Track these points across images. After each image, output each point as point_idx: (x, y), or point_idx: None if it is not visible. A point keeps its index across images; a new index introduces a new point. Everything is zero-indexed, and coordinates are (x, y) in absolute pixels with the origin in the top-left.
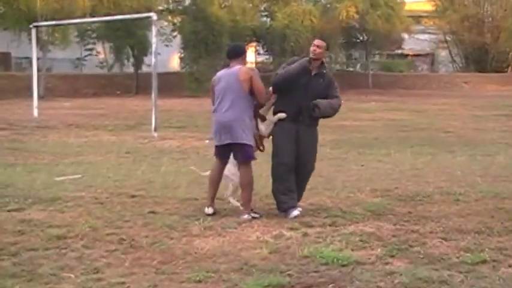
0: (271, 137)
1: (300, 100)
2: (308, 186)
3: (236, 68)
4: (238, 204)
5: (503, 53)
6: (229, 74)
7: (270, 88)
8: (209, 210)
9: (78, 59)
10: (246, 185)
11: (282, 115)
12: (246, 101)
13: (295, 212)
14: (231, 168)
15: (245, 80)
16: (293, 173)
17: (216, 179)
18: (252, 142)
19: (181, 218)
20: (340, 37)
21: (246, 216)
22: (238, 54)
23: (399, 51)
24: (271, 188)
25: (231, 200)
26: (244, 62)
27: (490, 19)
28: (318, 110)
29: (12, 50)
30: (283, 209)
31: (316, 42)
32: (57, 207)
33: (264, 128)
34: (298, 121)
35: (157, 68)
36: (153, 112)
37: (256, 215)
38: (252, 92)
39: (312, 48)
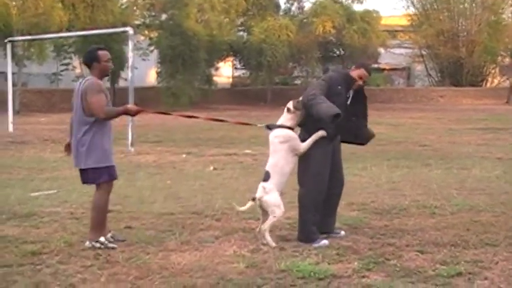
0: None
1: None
2: (285, 200)
3: (82, 80)
4: (274, 244)
5: (478, 67)
6: (77, 87)
7: (290, 104)
8: (101, 239)
9: (54, 74)
10: (94, 208)
11: (324, 133)
12: (85, 120)
13: (326, 242)
14: (274, 196)
15: (83, 96)
16: None
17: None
18: (95, 165)
19: (158, 232)
20: (317, 51)
21: (87, 243)
22: (87, 61)
23: (375, 66)
24: (299, 216)
25: (267, 236)
26: (96, 73)
27: (465, 34)
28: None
29: None
30: (312, 239)
31: (364, 76)
32: (32, 222)
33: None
34: (335, 139)
35: (134, 82)
36: (130, 127)
37: (101, 245)
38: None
39: (357, 83)
